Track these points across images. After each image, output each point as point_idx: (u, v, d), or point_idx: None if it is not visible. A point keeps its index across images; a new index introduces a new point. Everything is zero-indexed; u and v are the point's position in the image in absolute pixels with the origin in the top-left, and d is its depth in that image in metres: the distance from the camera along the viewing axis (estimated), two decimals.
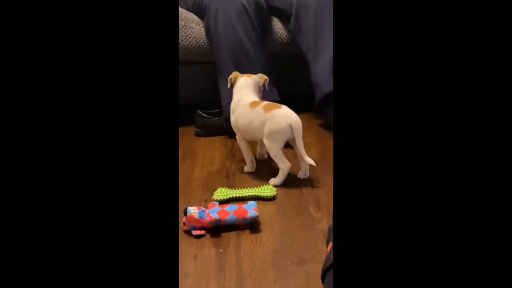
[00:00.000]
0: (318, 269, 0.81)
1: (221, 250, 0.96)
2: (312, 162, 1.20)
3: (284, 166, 1.23)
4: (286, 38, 1.77)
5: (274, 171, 1.27)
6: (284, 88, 1.61)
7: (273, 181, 1.24)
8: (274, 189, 1.20)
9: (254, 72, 1.41)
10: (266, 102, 1.27)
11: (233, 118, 1.32)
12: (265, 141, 1.23)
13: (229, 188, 1.21)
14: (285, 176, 1.23)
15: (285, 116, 1.21)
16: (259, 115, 1.24)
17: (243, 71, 1.42)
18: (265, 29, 1.70)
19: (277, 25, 1.79)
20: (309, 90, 1.61)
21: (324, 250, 0.89)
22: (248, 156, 1.34)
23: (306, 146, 1.25)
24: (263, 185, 1.22)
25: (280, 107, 1.24)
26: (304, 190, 1.22)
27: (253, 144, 1.39)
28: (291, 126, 1.19)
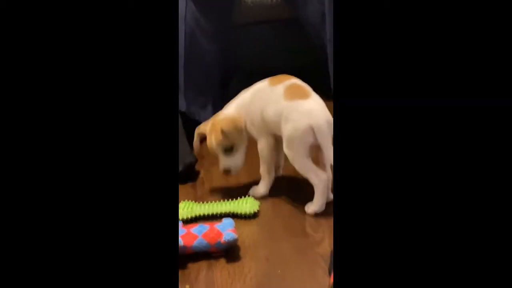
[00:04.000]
0: None
1: (187, 286, 0.93)
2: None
3: (318, 180, 1.07)
4: None
5: (257, 176, 1.21)
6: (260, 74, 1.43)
7: (310, 207, 1.09)
8: (257, 202, 1.14)
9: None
10: (292, 81, 1.12)
11: (249, 118, 1.15)
12: (284, 150, 1.09)
13: (196, 202, 1.16)
14: (324, 196, 1.08)
15: (307, 113, 1.06)
16: (277, 98, 1.10)
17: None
18: None
19: None
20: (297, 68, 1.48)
21: (326, 281, 0.88)
22: (270, 174, 1.18)
23: None
24: (241, 197, 1.16)
25: (307, 96, 1.09)
26: (298, 201, 1.15)
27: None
28: (312, 129, 1.05)
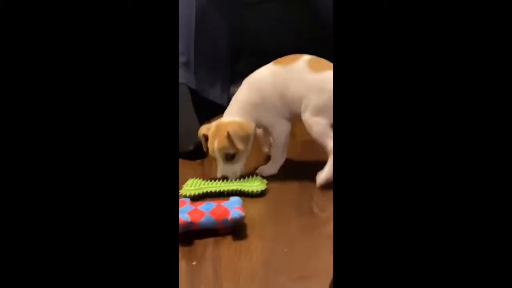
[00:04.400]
0: (323, 287, 0.83)
1: (194, 263, 0.94)
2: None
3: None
4: None
5: (265, 156, 1.22)
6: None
7: (321, 176, 1.09)
8: (264, 181, 1.13)
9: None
10: (308, 56, 1.12)
11: (260, 111, 1.13)
12: (307, 117, 1.08)
13: (203, 180, 1.15)
14: None
15: None
16: (300, 74, 1.09)
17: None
18: None
19: None
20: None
21: (331, 260, 0.84)
22: (282, 155, 1.17)
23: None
24: (249, 177, 1.15)
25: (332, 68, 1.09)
26: (305, 181, 1.14)
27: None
28: None
